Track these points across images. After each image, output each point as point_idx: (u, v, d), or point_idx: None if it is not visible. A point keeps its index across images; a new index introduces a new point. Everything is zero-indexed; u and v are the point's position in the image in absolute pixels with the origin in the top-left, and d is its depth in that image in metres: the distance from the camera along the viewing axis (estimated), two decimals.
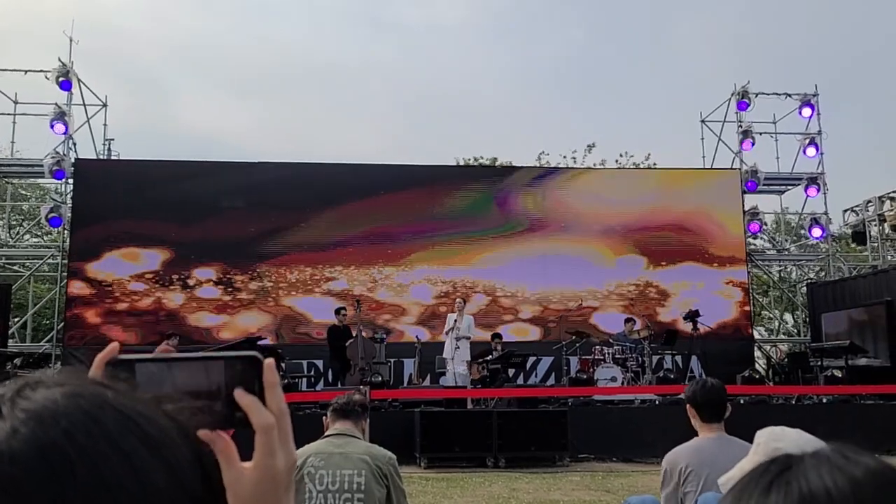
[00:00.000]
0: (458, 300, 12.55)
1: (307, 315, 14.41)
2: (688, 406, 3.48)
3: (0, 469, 0.40)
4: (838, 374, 12.12)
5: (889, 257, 16.21)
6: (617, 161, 26.69)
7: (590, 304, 14.92)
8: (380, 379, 11.07)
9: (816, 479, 0.53)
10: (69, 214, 14.48)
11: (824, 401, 11.42)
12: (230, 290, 14.37)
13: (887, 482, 0.53)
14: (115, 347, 0.56)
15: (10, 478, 0.39)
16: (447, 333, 11.83)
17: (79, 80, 15.11)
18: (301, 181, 14.92)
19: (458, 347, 11.58)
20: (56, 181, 15.31)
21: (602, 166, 24.86)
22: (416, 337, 13.11)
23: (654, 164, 24.91)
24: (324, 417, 3.37)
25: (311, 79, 50.97)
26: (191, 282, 14.28)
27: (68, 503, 0.40)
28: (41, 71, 14.93)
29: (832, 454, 0.56)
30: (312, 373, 13.49)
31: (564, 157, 27.35)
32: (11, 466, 0.40)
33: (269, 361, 0.57)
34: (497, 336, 12.73)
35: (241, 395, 0.56)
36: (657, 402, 11.13)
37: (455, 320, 11.81)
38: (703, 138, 17.09)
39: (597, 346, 12.43)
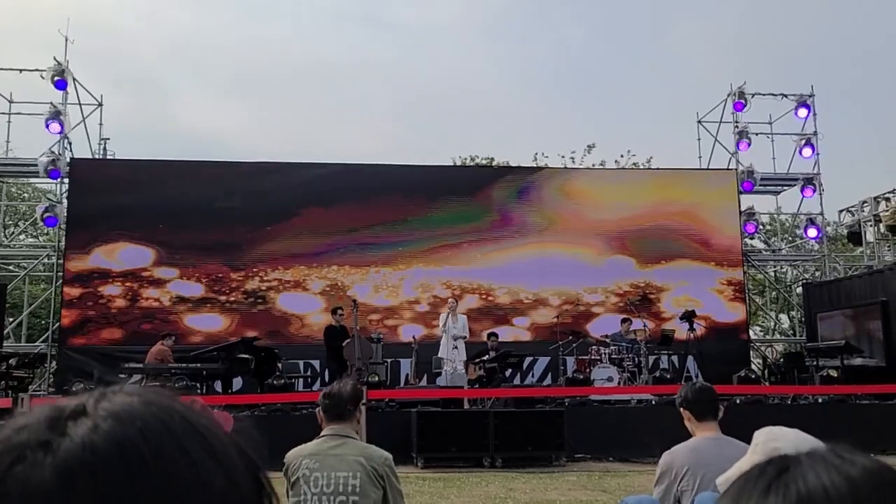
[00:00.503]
0: (449, 300, 12.59)
1: (302, 315, 14.41)
2: (681, 409, 3.50)
3: (81, 458, 0.44)
4: (834, 374, 12.16)
5: (884, 257, 16.27)
6: (617, 161, 26.67)
7: (586, 302, 14.93)
8: (376, 379, 11.07)
9: (814, 480, 0.54)
10: (64, 214, 14.44)
11: (820, 401, 11.45)
12: (225, 290, 14.35)
13: (884, 481, 0.54)
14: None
15: (89, 466, 0.44)
16: (444, 331, 11.85)
17: (74, 80, 15.08)
18: (297, 181, 14.91)
19: (456, 347, 11.62)
20: (51, 181, 15.27)
21: (600, 167, 24.88)
22: (413, 337, 13.12)
23: (655, 167, 24.89)
24: (317, 411, 3.33)
25: (310, 79, 50.98)
26: (186, 282, 14.26)
27: (140, 496, 0.44)
28: (36, 70, 14.90)
29: (828, 454, 0.56)
30: (309, 373, 13.48)
31: (563, 156, 27.34)
32: (92, 456, 0.44)
33: None
34: (493, 335, 12.74)
35: None
36: (653, 402, 11.14)
37: (448, 319, 11.84)
38: (699, 139, 17.16)
39: (593, 347, 12.45)
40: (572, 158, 27.10)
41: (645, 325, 12.75)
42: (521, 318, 14.88)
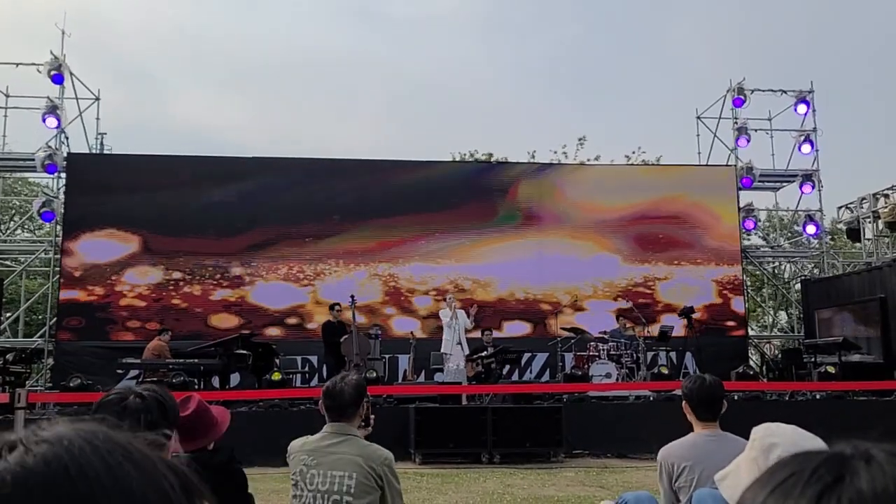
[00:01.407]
0: (448, 296, 12.54)
1: (298, 311, 14.40)
2: (684, 402, 3.49)
3: (15, 476, 0.52)
4: (832, 370, 12.19)
5: (883, 254, 16.29)
6: (627, 157, 26.62)
7: (584, 296, 14.92)
8: (374, 375, 11.08)
9: (870, 495, 0.50)
10: (61, 209, 14.42)
11: (818, 397, 11.48)
12: (223, 284, 14.34)
13: None
14: None
15: (21, 482, 0.52)
16: (448, 326, 11.84)
17: (71, 74, 15.04)
18: (293, 176, 14.91)
19: (460, 343, 11.63)
20: (48, 175, 15.24)
21: (597, 162, 24.88)
22: (411, 333, 13.12)
23: (652, 162, 24.87)
24: (319, 404, 3.32)
25: (308, 74, 50.85)
26: (183, 276, 14.25)
27: (64, 499, 0.51)
28: (33, 64, 14.87)
29: (889, 463, 0.53)
30: (307, 368, 13.49)
31: (555, 151, 27.22)
32: (24, 473, 0.52)
33: None
34: (487, 331, 12.73)
35: None
36: (651, 399, 11.17)
37: (452, 316, 11.81)
38: (698, 135, 17.16)
39: (591, 343, 12.47)
40: (564, 153, 27.03)
41: (644, 322, 12.77)
42: (519, 314, 14.88)
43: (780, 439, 1.70)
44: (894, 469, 0.52)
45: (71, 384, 10.23)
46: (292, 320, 14.37)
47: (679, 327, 13.14)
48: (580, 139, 27.35)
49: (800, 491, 0.52)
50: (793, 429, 1.77)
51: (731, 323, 15.42)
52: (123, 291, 14.07)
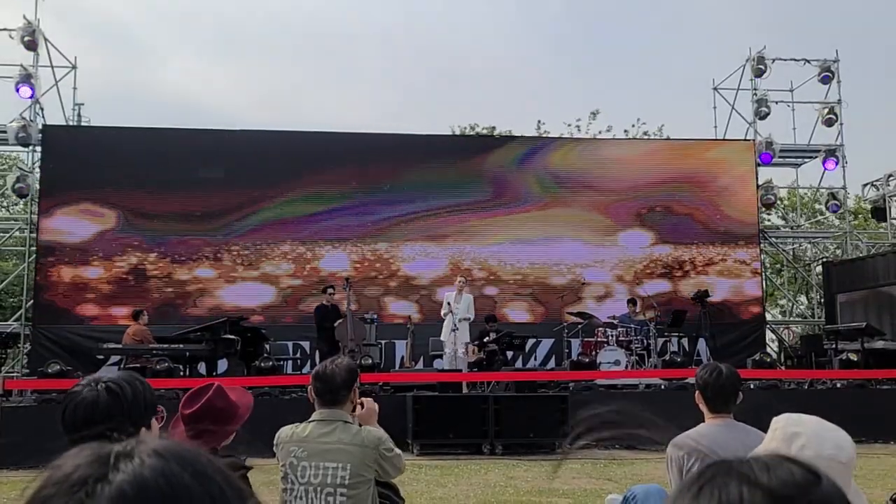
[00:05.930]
0: (459, 279, 12.50)
1: (286, 292, 14.42)
2: (697, 393, 3.50)
3: (134, 487, 0.58)
4: (854, 357, 12.23)
5: None
6: (626, 132, 26.62)
7: (592, 281, 14.93)
8: (370, 361, 11.12)
9: (734, 490, 0.62)
10: (37, 185, 14.38)
11: (839, 385, 11.53)
12: (208, 263, 14.34)
13: (799, 496, 0.61)
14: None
15: (141, 493, 0.58)
16: (446, 314, 11.86)
17: (46, 40, 14.93)
18: (285, 150, 14.83)
19: (457, 329, 11.62)
20: (22, 149, 15.18)
21: (608, 135, 24.86)
22: (409, 317, 13.12)
23: (668, 137, 24.86)
24: (308, 390, 3.32)
25: (302, 42, 50.49)
26: (166, 255, 14.24)
27: None
28: (5, 29, 14.74)
29: (757, 464, 0.64)
30: (298, 355, 13.53)
31: (569, 125, 27.25)
32: (143, 485, 0.59)
33: None
34: (491, 319, 12.74)
35: None
36: (663, 387, 11.22)
37: (452, 300, 11.83)
38: (715, 107, 17.08)
39: (600, 328, 12.50)
40: (578, 127, 27.05)
41: (655, 306, 12.78)
42: (523, 298, 14.90)
43: (803, 428, 1.71)
44: (761, 467, 0.64)
45: (49, 370, 10.27)
46: (284, 303, 14.38)
47: (693, 311, 13.15)
48: (593, 113, 27.45)
49: (686, 490, 0.65)
50: (816, 419, 1.78)
51: (747, 307, 15.43)
52: (102, 271, 14.06)
